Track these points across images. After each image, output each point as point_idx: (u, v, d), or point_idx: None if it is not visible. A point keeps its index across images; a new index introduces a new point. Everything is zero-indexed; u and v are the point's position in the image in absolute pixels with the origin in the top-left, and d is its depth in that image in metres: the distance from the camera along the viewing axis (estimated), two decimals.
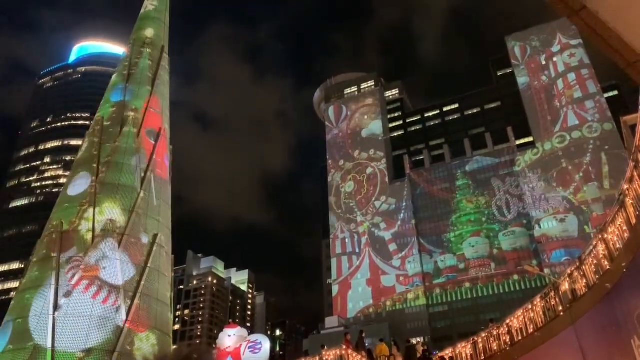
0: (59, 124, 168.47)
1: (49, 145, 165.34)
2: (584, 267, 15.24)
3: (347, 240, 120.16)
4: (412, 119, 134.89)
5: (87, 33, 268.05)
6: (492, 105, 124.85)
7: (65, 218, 22.83)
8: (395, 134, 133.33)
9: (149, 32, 30.48)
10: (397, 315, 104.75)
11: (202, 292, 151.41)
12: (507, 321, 18.63)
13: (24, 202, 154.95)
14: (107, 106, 27.09)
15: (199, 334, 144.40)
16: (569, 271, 16.30)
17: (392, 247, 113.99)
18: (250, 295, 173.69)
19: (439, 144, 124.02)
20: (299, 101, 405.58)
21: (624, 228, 13.01)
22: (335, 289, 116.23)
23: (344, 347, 19.46)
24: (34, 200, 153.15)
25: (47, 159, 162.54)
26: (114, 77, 28.74)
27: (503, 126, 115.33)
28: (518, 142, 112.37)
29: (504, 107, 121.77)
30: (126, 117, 26.45)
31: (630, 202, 12.57)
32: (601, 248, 14.22)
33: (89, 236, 22.29)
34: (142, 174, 25.31)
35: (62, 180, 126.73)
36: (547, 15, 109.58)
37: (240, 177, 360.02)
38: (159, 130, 27.67)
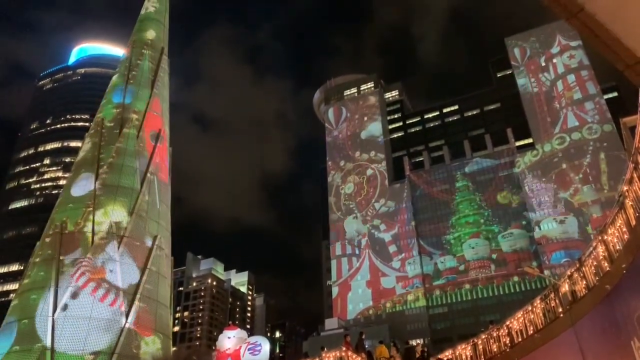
0: (58, 126, 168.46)
1: (49, 146, 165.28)
2: (583, 268, 15.24)
3: (346, 242, 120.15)
4: (411, 121, 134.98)
5: (87, 34, 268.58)
6: (492, 107, 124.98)
7: (70, 219, 22.70)
8: (395, 136, 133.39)
9: (149, 34, 30.48)
10: (397, 317, 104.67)
11: (202, 293, 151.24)
12: (507, 323, 18.62)
13: (23, 203, 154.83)
14: (109, 107, 26.99)
15: (198, 335, 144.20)
16: (568, 272, 16.30)
17: (392, 248, 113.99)
18: (249, 297, 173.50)
19: (439, 146, 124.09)
20: (299, 102, 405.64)
21: (624, 229, 13.01)
22: (335, 290, 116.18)
23: (344, 348, 19.44)
24: (33, 202, 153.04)
25: (47, 161, 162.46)
26: (115, 77, 28.66)
27: (503, 127, 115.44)
28: (518, 144, 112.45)
29: (504, 108, 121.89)
30: (129, 119, 26.41)
31: (630, 203, 12.57)
32: (601, 249, 14.22)
33: (94, 238, 22.19)
34: (146, 177, 25.29)
35: (62, 182, 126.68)
36: (546, 17, 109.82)
37: (239, 178, 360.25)
38: (161, 133, 27.67)
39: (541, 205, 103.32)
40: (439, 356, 21.61)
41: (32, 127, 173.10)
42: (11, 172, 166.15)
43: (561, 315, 15.96)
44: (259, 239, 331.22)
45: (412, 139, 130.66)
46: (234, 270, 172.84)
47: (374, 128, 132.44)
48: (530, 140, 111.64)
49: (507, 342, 18.26)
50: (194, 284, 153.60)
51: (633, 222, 12.34)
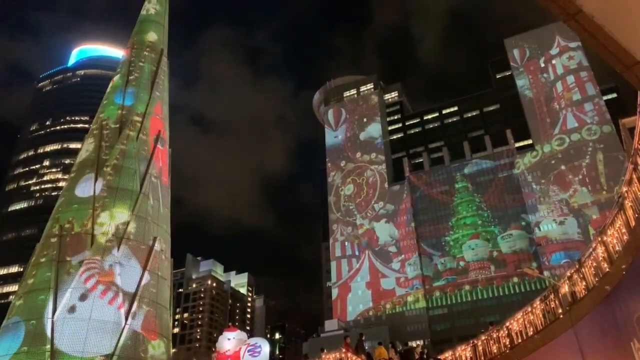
0: (58, 127, 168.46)
1: (48, 148, 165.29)
2: (583, 269, 15.25)
3: (346, 243, 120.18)
4: (411, 122, 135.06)
5: (86, 36, 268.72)
6: (492, 108, 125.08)
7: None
8: (395, 137, 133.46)
9: (150, 36, 30.37)
10: (397, 318, 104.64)
11: (202, 295, 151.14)
12: (507, 324, 18.62)
13: (23, 205, 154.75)
14: (112, 108, 26.80)
15: (198, 337, 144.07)
16: (568, 273, 16.30)
17: (392, 249, 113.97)
18: (249, 299, 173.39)
19: (439, 147, 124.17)
20: (298, 103, 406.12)
21: (623, 230, 13.01)
22: (334, 292, 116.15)
23: (344, 350, 19.45)
24: (33, 204, 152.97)
25: (47, 162, 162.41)
26: (117, 78, 28.47)
27: (502, 129, 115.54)
28: (517, 145, 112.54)
29: (503, 109, 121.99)
30: (133, 121, 26.29)
31: (630, 204, 12.59)
32: (600, 250, 14.23)
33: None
34: (151, 180, 25.28)
35: (61, 184, 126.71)
36: (545, 18, 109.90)
37: (239, 180, 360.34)
38: (163, 136, 27.65)
39: (541, 206, 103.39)
40: (439, 357, 21.61)
41: (31, 129, 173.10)
42: (11, 173, 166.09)
43: (561, 316, 15.96)
44: (258, 240, 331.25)
45: (411, 140, 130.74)
46: (234, 272, 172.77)
47: (374, 129, 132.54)
48: (529, 142, 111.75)
49: (507, 343, 18.26)
50: (194, 286, 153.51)
51: (632, 223, 12.35)
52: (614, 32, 5.33)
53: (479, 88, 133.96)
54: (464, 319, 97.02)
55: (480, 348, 19.42)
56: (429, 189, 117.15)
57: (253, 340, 19.97)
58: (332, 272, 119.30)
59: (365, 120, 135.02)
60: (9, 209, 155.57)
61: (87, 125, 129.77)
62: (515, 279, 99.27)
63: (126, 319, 20.55)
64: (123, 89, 27.48)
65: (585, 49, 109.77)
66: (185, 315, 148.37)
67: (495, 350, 18.67)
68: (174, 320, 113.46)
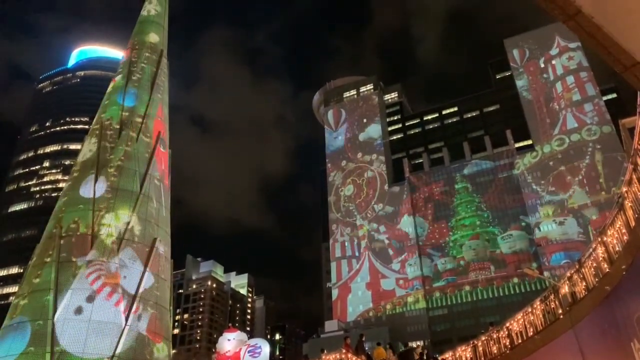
0: (58, 128, 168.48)
1: (48, 149, 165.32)
2: (583, 269, 15.25)
3: (346, 244, 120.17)
4: (411, 122, 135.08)
5: (86, 37, 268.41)
6: (491, 109, 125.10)
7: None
8: (394, 137, 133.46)
9: (151, 37, 30.32)
10: (397, 319, 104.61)
11: (202, 296, 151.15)
12: (507, 324, 18.62)
13: (23, 206, 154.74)
14: (115, 108, 26.67)
15: (198, 338, 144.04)
16: (568, 274, 16.30)
17: (392, 250, 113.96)
18: (249, 299, 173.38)
19: (438, 147, 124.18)
20: (298, 104, 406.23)
21: (623, 231, 13.02)
22: (335, 292, 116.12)
23: (344, 351, 19.45)
24: (33, 205, 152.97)
25: (46, 163, 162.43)
26: (118, 78, 28.38)
27: (502, 129, 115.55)
28: (517, 145, 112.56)
29: (503, 110, 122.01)
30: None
31: (629, 204, 12.59)
32: (600, 251, 14.24)
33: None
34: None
35: (61, 185, 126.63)
36: (545, 18, 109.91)
37: (239, 180, 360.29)
38: (164, 138, 27.66)
39: (540, 206, 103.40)
40: (441, 357, 21.61)
41: (31, 130, 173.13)
42: (11, 174, 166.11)
43: (561, 316, 15.96)
44: (258, 241, 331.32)
45: (411, 141, 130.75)
46: (234, 273, 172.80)
47: (374, 130, 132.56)
48: (529, 142, 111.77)
49: (507, 343, 18.26)
50: (194, 287, 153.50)
51: (632, 224, 12.35)
52: (613, 32, 5.33)
53: (478, 88, 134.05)
54: (464, 319, 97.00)
55: (481, 348, 19.42)
56: (429, 189, 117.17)
57: (253, 341, 19.98)
58: (332, 273, 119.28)
59: (365, 120, 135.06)
60: (9, 210, 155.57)
61: (87, 126, 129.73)
62: (516, 280, 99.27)
63: (127, 320, 20.53)
64: (125, 90, 27.42)
65: (585, 50, 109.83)
66: (186, 316, 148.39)
67: (495, 351, 18.67)
68: (174, 321, 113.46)
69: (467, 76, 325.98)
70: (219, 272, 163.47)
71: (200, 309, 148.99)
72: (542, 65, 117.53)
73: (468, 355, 19.92)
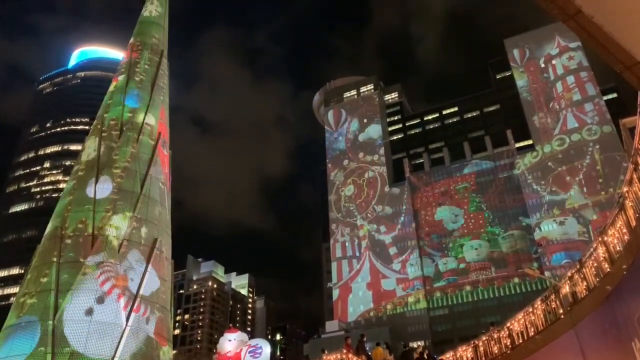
0: (58, 129, 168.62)
1: (49, 150, 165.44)
2: (584, 269, 15.25)
3: (347, 244, 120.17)
4: (411, 122, 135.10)
5: (86, 38, 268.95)
6: (492, 108, 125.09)
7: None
8: (395, 138, 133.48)
9: (152, 37, 30.30)
10: (398, 319, 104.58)
11: (202, 296, 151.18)
12: (508, 324, 18.61)
13: (23, 207, 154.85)
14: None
15: (199, 338, 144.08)
16: (569, 274, 16.30)
17: (393, 250, 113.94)
18: (250, 300, 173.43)
19: (439, 147, 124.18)
20: (298, 104, 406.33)
21: (624, 230, 13.02)
22: (335, 292, 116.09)
23: (344, 351, 19.47)
24: (33, 206, 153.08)
25: (47, 164, 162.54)
26: (121, 78, 28.30)
27: (502, 129, 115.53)
28: (517, 145, 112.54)
29: (503, 110, 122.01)
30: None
31: (630, 204, 12.60)
32: (601, 250, 14.23)
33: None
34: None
35: (62, 185, 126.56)
36: (545, 18, 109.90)
37: (239, 180, 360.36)
38: (166, 139, 27.69)
39: (541, 206, 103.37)
40: (442, 358, 21.61)
41: (32, 131, 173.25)
42: (11, 175, 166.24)
43: (562, 316, 15.96)
44: (259, 241, 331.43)
45: (411, 141, 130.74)
46: (235, 273, 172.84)
47: (374, 130, 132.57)
48: (530, 142, 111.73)
49: (508, 343, 18.25)
50: (195, 287, 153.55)
51: (633, 223, 12.35)
52: (613, 32, 5.33)
53: (479, 88, 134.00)
54: (465, 319, 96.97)
55: (482, 349, 19.42)
56: (429, 189, 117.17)
57: (254, 342, 19.98)
58: (332, 273, 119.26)
59: (365, 121, 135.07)
60: (10, 211, 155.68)
61: (87, 127, 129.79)
62: (516, 280, 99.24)
63: (129, 321, 20.55)
64: (129, 91, 27.35)
65: (585, 49, 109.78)
66: (186, 316, 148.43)
67: (496, 351, 18.66)
68: (175, 321, 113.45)
69: (467, 76, 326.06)
70: (219, 272, 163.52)
71: (201, 310, 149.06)
72: (543, 65, 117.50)
73: (469, 356, 19.91)
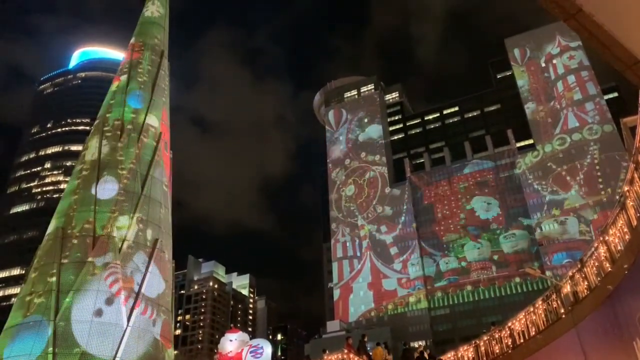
0: (59, 130, 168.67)
1: (50, 150, 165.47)
2: (585, 269, 15.24)
3: (348, 244, 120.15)
4: (412, 122, 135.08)
5: (87, 38, 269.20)
6: (492, 108, 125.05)
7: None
8: (395, 137, 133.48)
9: (153, 38, 30.30)
10: (399, 319, 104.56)
11: (203, 296, 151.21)
12: (509, 324, 18.60)
13: (24, 207, 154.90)
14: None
15: (200, 338, 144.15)
16: (570, 273, 16.29)
17: (393, 250, 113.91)
18: (251, 300, 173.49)
19: (439, 147, 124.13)
20: (298, 104, 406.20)
21: (625, 230, 13.01)
22: (336, 292, 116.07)
23: (346, 351, 19.47)
24: (34, 206, 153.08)
25: (48, 165, 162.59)
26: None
27: (503, 129, 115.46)
28: (518, 145, 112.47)
29: (504, 109, 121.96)
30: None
31: (631, 203, 12.59)
32: (602, 250, 14.22)
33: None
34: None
35: (63, 186, 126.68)
36: (545, 18, 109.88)
37: (239, 181, 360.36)
38: (167, 141, 27.73)
39: (542, 206, 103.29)
40: (443, 357, 21.61)
41: (32, 131, 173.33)
42: (12, 176, 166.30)
43: (563, 316, 15.94)
44: (259, 242, 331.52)
45: (412, 141, 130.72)
46: (235, 273, 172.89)
47: (374, 130, 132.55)
48: (531, 141, 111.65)
49: (509, 343, 18.24)
50: (196, 287, 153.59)
51: (634, 223, 12.34)
52: (614, 30, 5.32)
53: (479, 88, 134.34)
54: (466, 319, 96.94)
55: (483, 348, 19.41)
56: (430, 189, 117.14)
57: (255, 342, 19.97)
58: (333, 273, 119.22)
59: (366, 120, 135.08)
60: (11, 212, 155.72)
61: (88, 128, 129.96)
62: (517, 279, 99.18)
63: (133, 322, 20.57)
64: (132, 92, 27.32)
65: (586, 49, 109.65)
66: (187, 317, 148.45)
67: (497, 351, 18.65)
68: (176, 322, 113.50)
69: (467, 76, 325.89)
70: (220, 272, 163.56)
71: (202, 310, 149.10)
72: (543, 65, 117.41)
73: (470, 355, 19.90)
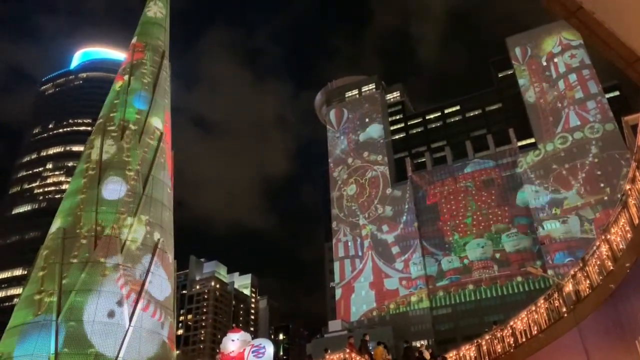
0: (60, 130, 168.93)
1: (51, 151, 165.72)
2: (587, 268, 15.21)
3: (349, 243, 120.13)
4: (413, 122, 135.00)
5: (88, 39, 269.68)
6: (494, 107, 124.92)
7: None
8: (397, 137, 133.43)
9: (155, 38, 30.29)
10: (401, 319, 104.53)
11: (205, 296, 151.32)
12: (511, 323, 18.59)
13: (26, 208, 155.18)
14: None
15: (202, 338, 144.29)
16: (572, 272, 16.27)
17: (395, 250, 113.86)
18: (253, 300, 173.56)
19: (441, 146, 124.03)
20: (299, 104, 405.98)
21: (627, 228, 12.99)
22: (338, 292, 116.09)
23: (347, 350, 19.48)
24: (36, 207, 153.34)
25: (50, 165, 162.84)
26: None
27: (504, 128, 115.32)
28: (520, 144, 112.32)
29: (505, 108, 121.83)
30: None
31: (633, 202, 12.56)
32: (604, 249, 14.20)
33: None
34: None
35: (65, 186, 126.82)
36: (545, 18, 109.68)
37: (240, 181, 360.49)
38: (169, 142, 27.77)
39: (544, 205, 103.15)
40: (445, 356, 21.59)
41: (34, 132, 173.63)
42: (14, 176, 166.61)
43: (565, 315, 15.93)
44: (261, 241, 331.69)
45: (413, 140, 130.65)
46: (237, 273, 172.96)
47: (376, 129, 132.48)
48: (532, 140, 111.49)
49: (511, 342, 18.23)
50: (197, 287, 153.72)
51: (636, 221, 12.32)
52: (614, 28, 5.31)
53: (480, 87, 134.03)
54: (468, 318, 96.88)
55: (485, 347, 19.40)
56: (431, 188, 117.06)
57: (257, 341, 19.97)
58: (335, 273, 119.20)
59: (367, 120, 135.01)
60: (13, 212, 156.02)
61: (89, 128, 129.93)
62: (519, 278, 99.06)
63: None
64: (135, 92, 27.27)
65: (587, 47, 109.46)
66: (189, 316, 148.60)
67: (499, 350, 18.64)
68: (178, 322, 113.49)
69: (468, 75, 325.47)
70: (222, 272, 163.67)
71: (204, 310, 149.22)
72: (544, 63, 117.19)
73: (472, 355, 19.90)
